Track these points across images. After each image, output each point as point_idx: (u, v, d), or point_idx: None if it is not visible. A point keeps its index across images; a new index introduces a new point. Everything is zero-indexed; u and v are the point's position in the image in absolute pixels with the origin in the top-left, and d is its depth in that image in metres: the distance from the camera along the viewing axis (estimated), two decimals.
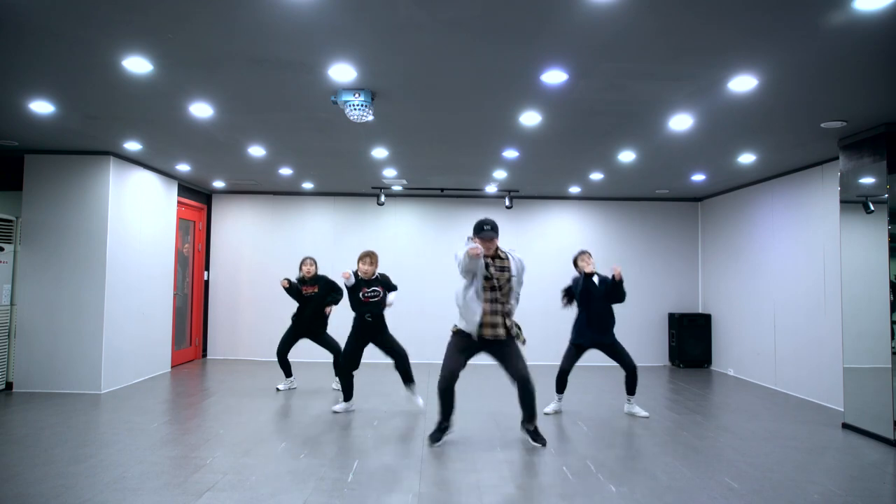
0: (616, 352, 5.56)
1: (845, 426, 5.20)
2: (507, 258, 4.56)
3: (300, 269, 6.49)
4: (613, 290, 5.44)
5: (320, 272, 6.60)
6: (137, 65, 3.76)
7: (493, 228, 4.50)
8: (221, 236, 9.17)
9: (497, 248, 4.55)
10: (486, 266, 4.43)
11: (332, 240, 9.09)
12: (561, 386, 5.65)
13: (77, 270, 6.37)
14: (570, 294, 5.67)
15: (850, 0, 2.83)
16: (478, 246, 4.25)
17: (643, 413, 5.57)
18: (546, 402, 5.62)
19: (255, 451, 4.35)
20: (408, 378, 5.68)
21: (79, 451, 4.25)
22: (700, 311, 9.12)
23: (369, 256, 5.60)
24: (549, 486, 3.71)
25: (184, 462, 4.07)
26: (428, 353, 7.77)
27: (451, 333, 4.61)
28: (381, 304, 5.55)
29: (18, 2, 2.96)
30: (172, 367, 7.93)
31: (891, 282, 4.83)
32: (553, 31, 3.22)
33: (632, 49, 3.46)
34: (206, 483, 3.65)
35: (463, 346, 4.52)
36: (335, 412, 5.52)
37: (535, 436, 4.59)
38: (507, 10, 3.00)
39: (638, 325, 9.09)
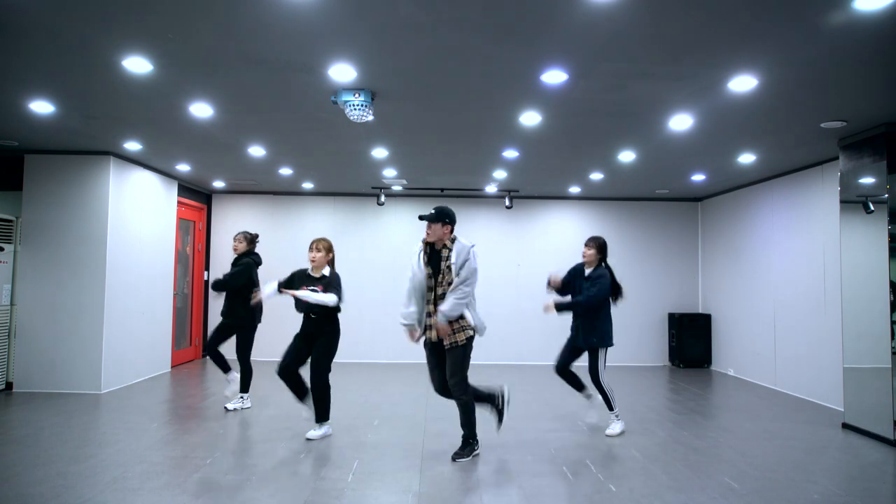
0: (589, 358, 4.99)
1: (845, 426, 5.20)
2: (455, 246, 4.19)
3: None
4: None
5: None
6: (137, 65, 3.76)
7: (438, 215, 4.18)
8: (221, 236, 9.16)
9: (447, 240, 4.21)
10: (426, 264, 4.22)
11: (332, 240, 9.06)
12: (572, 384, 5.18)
13: (77, 270, 6.37)
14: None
15: (850, 0, 2.83)
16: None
17: (611, 430, 4.90)
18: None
19: (255, 451, 4.35)
20: (318, 414, 4.74)
21: (79, 451, 4.25)
22: (700, 311, 9.12)
23: (316, 244, 4.83)
24: (549, 486, 3.71)
25: (184, 462, 4.07)
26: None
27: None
28: (327, 309, 4.68)
29: (19, 2, 2.96)
30: (172, 367, 7.93)
31: (891, 282, 4.83)
32: (553, 31, 3.22)
33: (632, 49, 3.46)
34: (206, 483, 3.65)
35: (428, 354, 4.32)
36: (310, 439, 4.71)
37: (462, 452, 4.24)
38: (507, 10, 3.00)
39: (638, 325, 9.10)
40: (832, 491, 3.69)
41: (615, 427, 4.94)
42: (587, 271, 5.00)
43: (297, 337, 4.73)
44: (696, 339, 8.72)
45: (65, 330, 6.33)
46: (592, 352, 4.93)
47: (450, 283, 4.13)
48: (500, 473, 3.95)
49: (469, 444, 4.25)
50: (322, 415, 4.72)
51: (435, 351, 4.25)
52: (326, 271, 4.75)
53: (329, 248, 4.81)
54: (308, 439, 4.62)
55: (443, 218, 4.19)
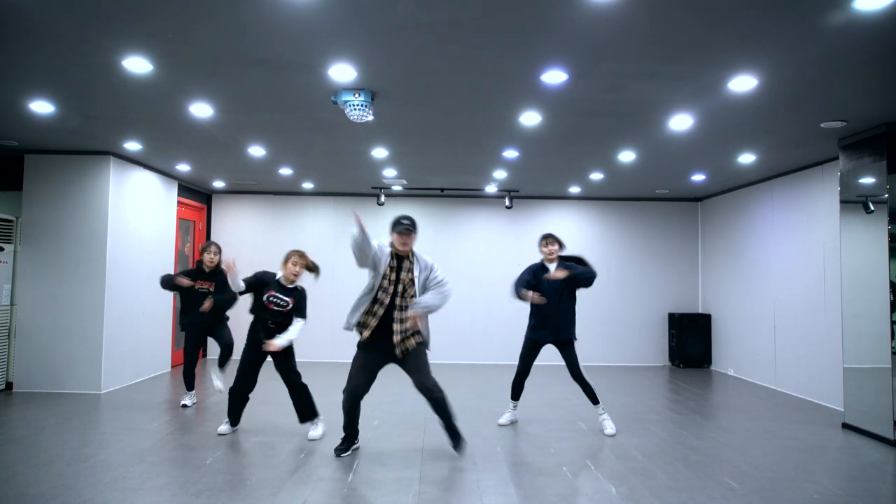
0: (569, 353, 4.96)
1: (845, 426, 5.20)
2: (416, 260, 4.22)
3: (202, 255, 5.64)
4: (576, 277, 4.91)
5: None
6: (138, 65, 3.76)
7: (413, 224, 4.15)
8: (221, 236, 9.16)
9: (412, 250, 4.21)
10: (391, 269, 4.10)
11: (332, 240, 9.09)
12: (517, 391, 5.19)
13: (77, 270, 6.37)
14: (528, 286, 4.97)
15: (850, 0, 2.83)
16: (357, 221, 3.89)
17: (610, 430, 4.91)
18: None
19: (255, 451, 4.35)
20: (307, 414, 4.72)
21: (79, 451, 4.25)
22: (700, 311, 9.12)
23: (300, 257, 4.68)
24: (549, 486, 3.71)
25: (184, 462, 4.07)
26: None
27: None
28: (286, 319, 4.62)
29: (19, 2, 2.96)
30: (172, 366, 7.93)
31: (891, 282, 4.83)
32: (553, 31, 3.22)
33: (631, 49, 3.46)
34: (206, 483, 3.65)
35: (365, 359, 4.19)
36: (221, 434, 4.74)
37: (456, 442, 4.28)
38: (506, 10, 3.00)
39: (638, 325, 9.10)
40: (832, 491, 3.69)
41: (609, 424, 4.95)
42: (552, 266, 4.99)
43: (250, 352, 4.62)
44: (696, 339, 8.73)
45: (65, 330, 6.33)
46: (570, 347, 4.93)
47: (412, 297, 4.07)
48: (500, 473, 3.95)
49: (458, 431, 4.27)
50: (313, 413, 4.73)
51: (376, 353, 4.13)
52: (298, 282, 4.69)
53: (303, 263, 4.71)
54: (311, 440, 4.62)
55: (417, 229, 4.18)
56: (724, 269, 8.46)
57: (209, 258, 5.59)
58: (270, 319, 4.57)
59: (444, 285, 4.18)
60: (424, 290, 4.16)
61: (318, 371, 7.90)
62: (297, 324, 4.59)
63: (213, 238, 9.14)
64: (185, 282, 5.41)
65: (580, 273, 4.91)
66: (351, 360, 4.26)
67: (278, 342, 4.46)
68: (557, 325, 4.93)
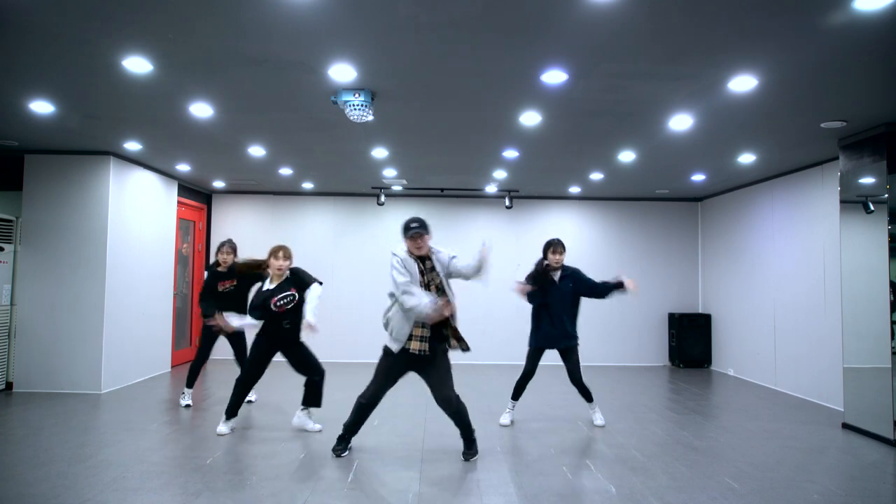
0: (572, 359, 5.05)
1: (845, 426, 5.20)
2: (433, 257, 4.11)
3: (216, 255, 5.68)
4: (603, 289, 4.99)
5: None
6: (138, 65, 3.76)
7: (423, 225, 4.01)
8: (221, 236, 9.12)
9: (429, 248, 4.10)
10: (421, 273, 4.02)
11: (332, 240, 9.10)
12: (519, 392, 5.22)
13: (77, 270, 6.37)
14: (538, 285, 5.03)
15: (850, 0, 2.83)
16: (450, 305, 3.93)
17: (600, 421, 5.17)
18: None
19: (255, 452, 4.35)
20: (314, 400, 4.86)
21: (79, 451, 4.25)
22: (700, 311, 9.12)
23: (283, 251, 4.67)
24: (549, 486, 3.71)
25: (184, 462, 4.07)
26: None
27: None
28: (299, 309, 4.64)
29: (19, 2, 2.96)
30: (172, 367, 7.93)
31: (891, 282, 4.83)
32: (553, 31, 3.22)
33: (631, 49, 3.46)
34: (206, 483, 3.65)
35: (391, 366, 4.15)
36: (220, 434, 4.74)
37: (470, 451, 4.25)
38: (507, 10, 3.00)
39: (638, 325, 9.10)
40: (832, 491, 3.69)
41: (599, 416, 5.23)
42: (556, 274, 5.04)
43: (264, 353, 4.72)
44: (696, 339, 8.73)
45: (65, 330, 6.33)
46: (574, 352, 5.04)
47: (437, 286, 4.04)
48: (500, 473, 3.95)
49: (474, 440, 4.27)
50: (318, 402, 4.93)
51: (409, 365, 4.11)
52: (287, 273, 4.71)
53: (289, 255, 4.73)
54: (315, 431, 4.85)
55: (428, 230, 4.06)
56: (724, 269, 8.46)
57: (223, 258, 5.62)
58: (287, 321, 4.64)
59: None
60: (449, 276, 4.12)
61: None
62: (314, 291, 4.66)
63: (213, 238, 9.13)
64: (222, 323, 5.01)
65: (598, 286, 5.02)
66: (377, 364, 4.23)
67: (312, 318, 4.51)
68: (564, 333, 5.01)
